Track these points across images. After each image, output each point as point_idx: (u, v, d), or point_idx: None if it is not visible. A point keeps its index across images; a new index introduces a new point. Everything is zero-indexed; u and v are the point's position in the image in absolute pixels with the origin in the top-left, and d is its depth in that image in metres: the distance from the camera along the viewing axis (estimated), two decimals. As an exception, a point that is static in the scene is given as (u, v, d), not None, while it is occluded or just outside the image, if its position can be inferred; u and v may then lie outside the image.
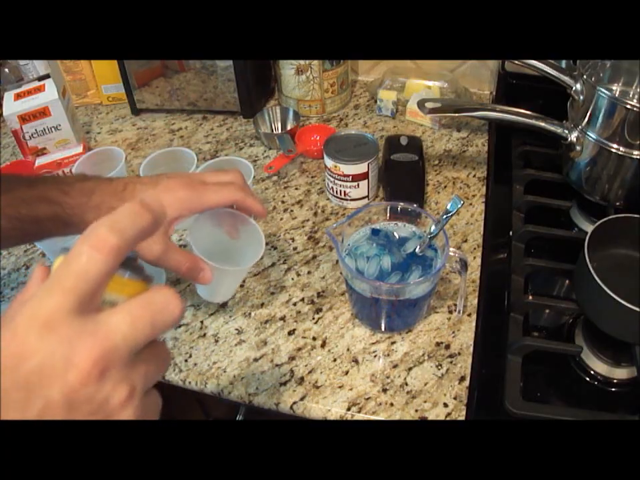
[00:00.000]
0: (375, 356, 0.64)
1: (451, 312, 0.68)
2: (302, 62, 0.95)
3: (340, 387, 0.62)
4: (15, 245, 0.77)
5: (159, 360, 0.32)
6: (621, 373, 0.63)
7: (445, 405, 0.59)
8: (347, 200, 0.83)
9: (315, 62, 0.95)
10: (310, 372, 0.63)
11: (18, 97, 0.87)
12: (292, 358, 0.65)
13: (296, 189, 0.88)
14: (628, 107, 0.65)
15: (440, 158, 0.92)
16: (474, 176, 0.88)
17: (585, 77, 0.71)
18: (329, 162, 0.80)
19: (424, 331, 0.67)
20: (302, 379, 0.63)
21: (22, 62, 0.99)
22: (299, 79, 0.97)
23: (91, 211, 0.55)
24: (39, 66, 0.99)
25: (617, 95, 0.68)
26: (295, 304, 0.71)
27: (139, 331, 0.28)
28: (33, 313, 0.27)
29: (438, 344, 0.65)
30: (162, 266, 0.54)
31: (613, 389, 0.62)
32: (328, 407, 0.60)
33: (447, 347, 0.65)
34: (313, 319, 0.69)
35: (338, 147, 0.81)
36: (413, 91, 0.99)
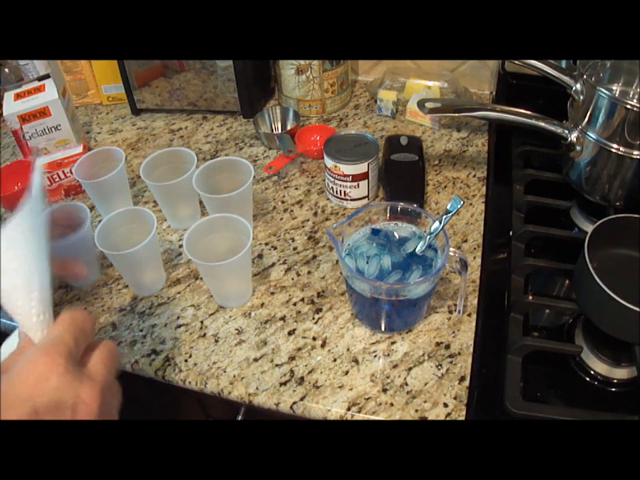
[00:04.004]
0: (375, 356, 0.64)
1: (451, 312, 0.68)
2: (302, 62, 0.95)
3: (340, 387, 0.62)
4: None
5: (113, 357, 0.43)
6: (620, 373, 0.63)
7: (445, 405, 0.59)
8: (347, 200, 0.83)
9: (315, 62, 0.95)
10: (310, 372, 0.63)
11: (18, 96, 0.87)
12: (292, 358, 0.65)
13: (296, 188, 0.88)
14: (628, 107, 0.65)
15: (440, 158, 0.92)
16: (474, 176, 0.88)
17: (585, 76, 0.71)
18: (329, 162, 0.80)
19: (424, 331, 0.67)
20: (302, 378, 0.63)
21: (22, 62, 0.99)
22: (298, 78, 0.97)
23: None
24: (39, 66, 0.99)
25: (617, 95, 0.68)
26: (295, 304, 0.71)
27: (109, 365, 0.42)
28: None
29: (438, 344, 0.65)
30: None
31: (613, 389, 0.62)
32: (328, 407, 0.60)
33: (447, 346, 0.65)
34: (313, 319, 0.69)
35: (338, 146, 0.81)
36: (413, 91, 0.99)
